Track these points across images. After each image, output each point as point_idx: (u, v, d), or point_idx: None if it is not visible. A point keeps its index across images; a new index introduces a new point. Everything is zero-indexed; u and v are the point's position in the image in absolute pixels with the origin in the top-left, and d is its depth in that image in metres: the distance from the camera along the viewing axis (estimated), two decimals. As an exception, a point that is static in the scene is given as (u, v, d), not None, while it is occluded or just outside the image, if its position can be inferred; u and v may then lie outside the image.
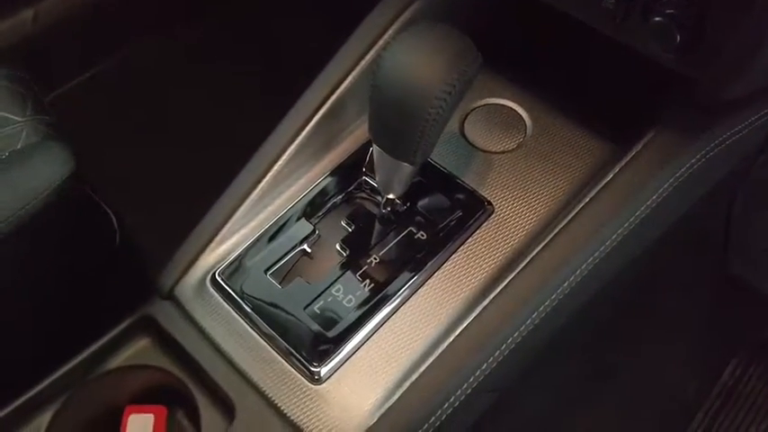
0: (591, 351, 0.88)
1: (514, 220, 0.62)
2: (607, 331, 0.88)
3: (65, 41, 1.24)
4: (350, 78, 0.66)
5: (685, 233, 0.86)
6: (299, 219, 0.64)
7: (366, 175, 0.66)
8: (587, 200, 0.59)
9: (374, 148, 0.57)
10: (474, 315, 0.56)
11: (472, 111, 0.71)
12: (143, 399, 0.63)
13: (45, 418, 0.60)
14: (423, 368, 0.54)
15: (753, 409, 1.04)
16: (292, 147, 0.65)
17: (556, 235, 0.58)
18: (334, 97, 0.66)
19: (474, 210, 0.63)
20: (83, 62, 1.28)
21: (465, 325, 0.55)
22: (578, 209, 0.59)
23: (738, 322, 1.09)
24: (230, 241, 0.63)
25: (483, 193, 0.64)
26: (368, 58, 0.66)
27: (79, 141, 0.81)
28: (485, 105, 0.71)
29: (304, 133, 0.65)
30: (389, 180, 0.59)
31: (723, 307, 1.08)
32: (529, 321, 0.55)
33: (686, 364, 1.06)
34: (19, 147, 0.65)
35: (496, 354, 0.54)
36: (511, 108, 0.70)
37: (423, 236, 0.62)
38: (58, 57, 1.24)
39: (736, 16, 0.51)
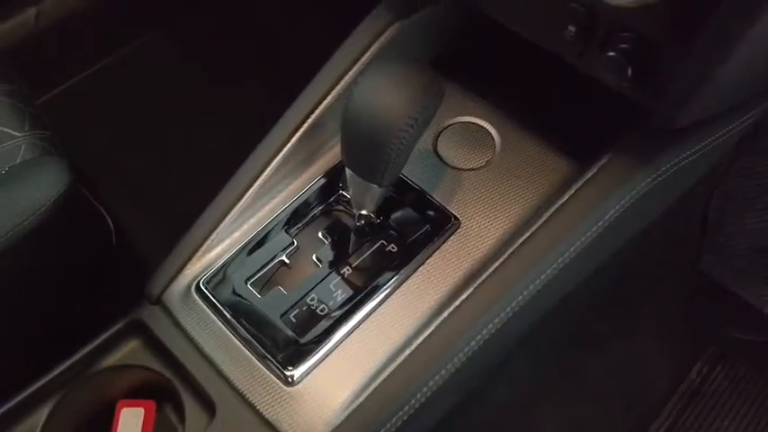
0: (559, 351, 0.92)
1: (479, 234, 0.67)
2: (577, 332, 0.93)
3: (66, 40, 1.27)
4: (328, 99, 0.70)
5: (656, 240, 0.90)
6: (279, 231, 0.68)
7: (343, 190, 0.70)
8: (545, 218, 0.63)
9: (346, 171, 0.62)
10: (436, 324, 0.60)
11: (445, 128, 0.75)
12: (134, 395, 0.68)
13: (44, 411, 0.64)
14: (387, 373, 0.59)
15: (717, 406, 1.09)
16: (274, 162, 0.69)
17: (516, 249, 0.63)
18: (313, 117, 0.70)
19: (442, 225, 0.67)
20: (82, 61, 1.31)
21: (427, 333, 0.60)
22: (537, 226, 0.63)
23: (708, 322, 1.14)
24: (215, 251, 0.68)
25: (451, 209, 0.68)
26: (345, 80, 0.70)
27: (77, 142, 0.85)
28: (457, 123, 0.75)
29: (285, 150, 0.69)
30: (361, 199, 0.63)
31: (694, 307, 1.12)
32: (485, 331, 0.59)
33: (655, 363, 1.10)
34: (18, 162, 0.70)
35: (455, 360, 0.59)
36: (481, 126, 0.74)
37: (393, 248, 0.67)
38: (58, 55, 1.27)
39: (682, 53, 0.55)
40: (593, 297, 0.88)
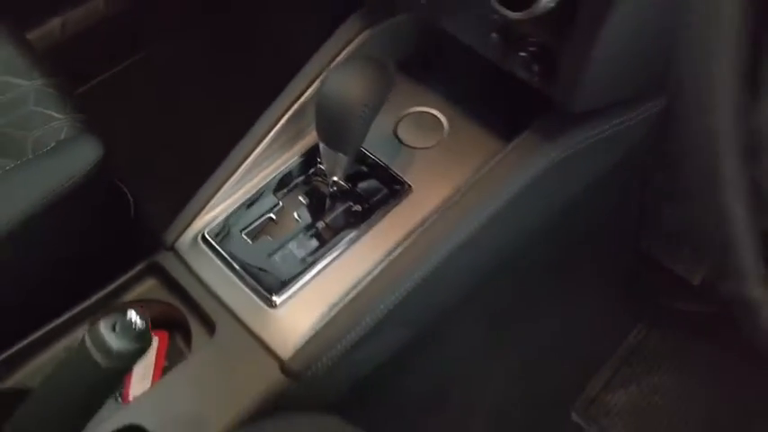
0: (509, 309, 1.06)
1: (426, 198, 0.83)
2: (525, 294, 1.07)
3: (90, 46, 1.42)
4: (309, 91, 0.86)
5: (589, 217, 1.05)
6: (268, 194, 0.85)
7: (319, 164, 0.87)
8: (473, 183, 0.80)
9: (320, 144, 0.79)
10: (385, 264, 0.77)
11: (405, 116, 0.92)
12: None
13: (76, 337, 0.78)
14: (345, 302, 0.75)
15: (650, 365, 1.25)
16: (265, 141, 0.86)
17: (450, 206, 0.79)
18: (297, 104, 0.86)
19: (397, 191, 0.84)
20: (104, 64, 1.46)
21: (377, 272, 0.76)
22: (465, 191, 0.79)
23: (645, 293, 1.29)
24: (218, 209, 0.84)
25: (406, 179, 0.85)
26: (321, 77, 0.86)
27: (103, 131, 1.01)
28: (414, 112, 0.92)
29: (273, 131, 0.86)
30: (331, 167, 0.80)
31: (632, 279, 1.27)
32: (423, 269, 0.75)
33: (598, 326, 1.26)
34: (62, 138, 0.87)
35: (398, 292, 0.74)
36: (433, 114, 0.92)
37: (359, 209, 0.83)
38: (83, 60, 1.43)
39: (561, 51, 0.72)
40: (537, 262, 1.02)
